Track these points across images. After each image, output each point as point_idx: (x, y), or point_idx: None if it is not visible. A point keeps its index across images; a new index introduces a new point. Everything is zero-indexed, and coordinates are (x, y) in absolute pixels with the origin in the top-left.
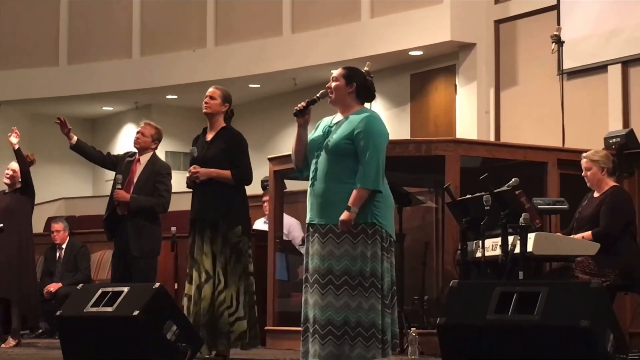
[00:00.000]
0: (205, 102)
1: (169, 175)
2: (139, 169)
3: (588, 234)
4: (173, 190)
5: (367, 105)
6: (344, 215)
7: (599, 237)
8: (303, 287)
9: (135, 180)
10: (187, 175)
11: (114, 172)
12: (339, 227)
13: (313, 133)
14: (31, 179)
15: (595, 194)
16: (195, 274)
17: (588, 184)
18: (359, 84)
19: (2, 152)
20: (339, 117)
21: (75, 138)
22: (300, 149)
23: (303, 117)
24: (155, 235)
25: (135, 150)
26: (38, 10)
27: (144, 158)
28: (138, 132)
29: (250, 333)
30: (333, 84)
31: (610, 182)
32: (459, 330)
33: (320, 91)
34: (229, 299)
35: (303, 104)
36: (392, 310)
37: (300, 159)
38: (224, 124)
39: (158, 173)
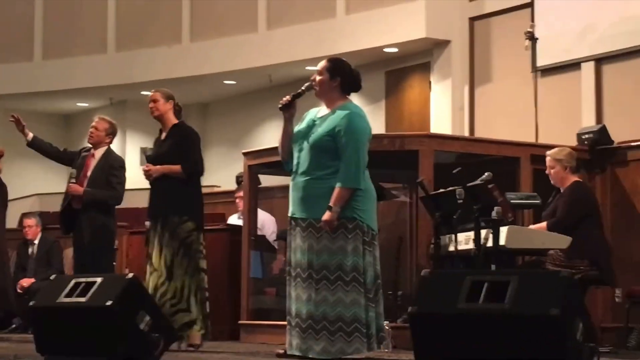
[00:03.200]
0: (150, 107)
1: (122, 169)
2: (93, 163)
3: (543, 224)
4: (142, 186)
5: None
6: (326, 216)
7: (552, 227)
8: (286, 280)
9: (89, 174)
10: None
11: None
12: (319, 223)
13: (299, 125)
14: None
15: (561, 191)
16: (147, 267)
17: (552, 182)
18: (343, 77)
19: None
20: (324, 110)
21: (31, 135)
22: (286, 142)
23: (289, 111)
24: (109, 228)
25: (91, 146)
26: (13, 5)
27: (99, 152)
28: (92, 127)
29: (202, 329)
30: (317, 78)
31: (572, 178)
32: (430, 319)
33: (306, 84)
34: (172, 291)
35: (288, 97)
36: (377, 304)
37: (286, 152)
38: (175, 121)
39: (111, 166)
